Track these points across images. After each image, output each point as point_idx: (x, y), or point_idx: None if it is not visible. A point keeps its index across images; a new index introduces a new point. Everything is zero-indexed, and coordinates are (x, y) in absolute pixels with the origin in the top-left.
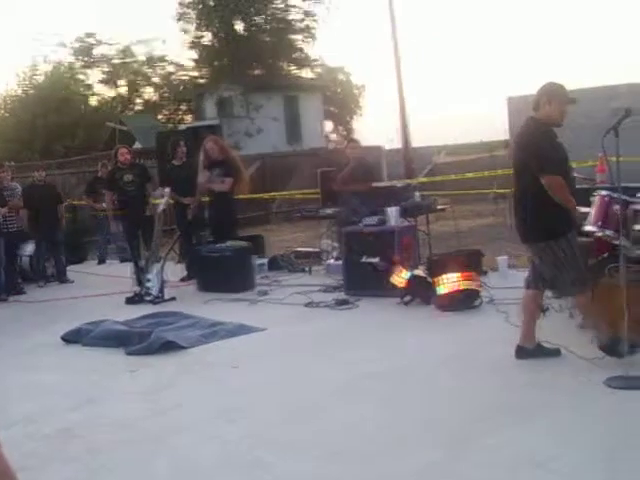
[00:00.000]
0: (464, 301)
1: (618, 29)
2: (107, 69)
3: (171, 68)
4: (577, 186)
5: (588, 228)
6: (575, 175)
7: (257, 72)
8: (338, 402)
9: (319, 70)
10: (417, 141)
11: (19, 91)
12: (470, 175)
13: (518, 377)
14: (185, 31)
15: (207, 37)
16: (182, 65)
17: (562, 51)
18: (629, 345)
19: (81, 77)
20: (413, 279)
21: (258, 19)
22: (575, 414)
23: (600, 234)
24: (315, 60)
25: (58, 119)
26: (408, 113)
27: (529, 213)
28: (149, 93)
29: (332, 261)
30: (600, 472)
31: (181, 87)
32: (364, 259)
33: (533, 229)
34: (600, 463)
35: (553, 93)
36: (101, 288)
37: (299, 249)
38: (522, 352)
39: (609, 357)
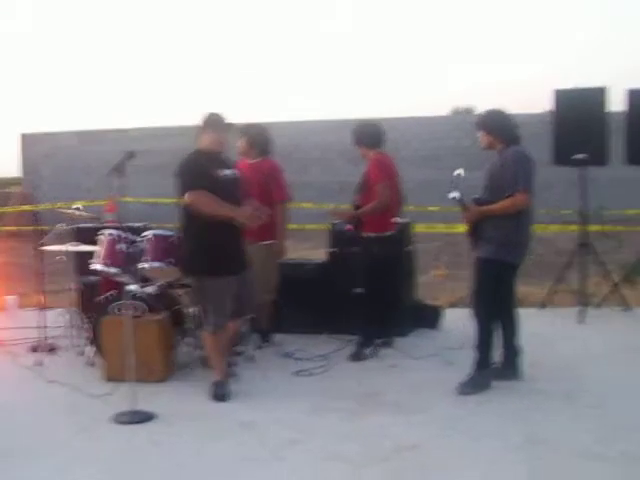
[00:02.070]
0: None
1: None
2: None
3: None
4: (86, 225)
5: (95, 266)
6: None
7: None
8: None
9: None
10: None
11: None
12: None
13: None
14: None
15: None
16: None
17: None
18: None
19: None
20: None
21: None
22: (86, 451)
23: (106, 272)
24: None
25: None
26: None
27: (187, 246)
28: None
29: None
30: None
31: None
32: None
33: (188, 263)
34: None
35: (207, 122)
36: None
37: None
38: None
39: (119, 393)
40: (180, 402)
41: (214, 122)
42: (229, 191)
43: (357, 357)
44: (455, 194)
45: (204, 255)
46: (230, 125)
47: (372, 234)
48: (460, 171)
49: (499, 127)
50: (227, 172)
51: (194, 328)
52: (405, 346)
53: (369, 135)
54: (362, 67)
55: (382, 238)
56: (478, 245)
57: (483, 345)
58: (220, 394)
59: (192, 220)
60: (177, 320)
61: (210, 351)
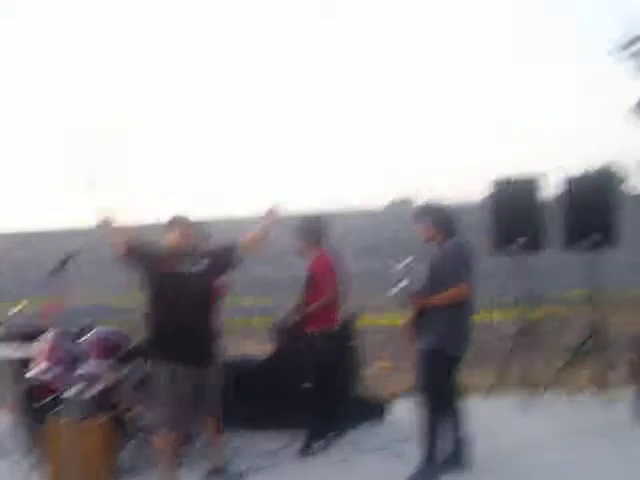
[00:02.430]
0: None
1: None
2: None
3: None
4: (28, 326)
5: (34, 371)
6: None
7: None
8: None
9: None
10: None
11: None
12: None
13: None
14: None
15: None
16: None
17: None
18: None
19: None
20: None
21: None
22: None
23: (45, 376)
24: None
25: None
26: None
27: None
28: None
29: None
30: None
31: None
32: None
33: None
34: None
35: (170, 221)
36: None
37: None
38: None
39: None
40: None
41: (174, 221)
42: (184, 283)
43: (306, 452)
44: (402, 284)
45: (159, 339)
46: (189, 223)
47: (316, 330)
48: (408, 261)
49: (439, 219)
50: (185, 268)
51: (138, 431)
52: (353, 439)
53: (313, 231)
54: (299, 159)
55: (326, 334)
56: (420, 337)
57: (429, 437)
58: None
59: (155, 305)
60: (120, 423)
61: (156, 452)
